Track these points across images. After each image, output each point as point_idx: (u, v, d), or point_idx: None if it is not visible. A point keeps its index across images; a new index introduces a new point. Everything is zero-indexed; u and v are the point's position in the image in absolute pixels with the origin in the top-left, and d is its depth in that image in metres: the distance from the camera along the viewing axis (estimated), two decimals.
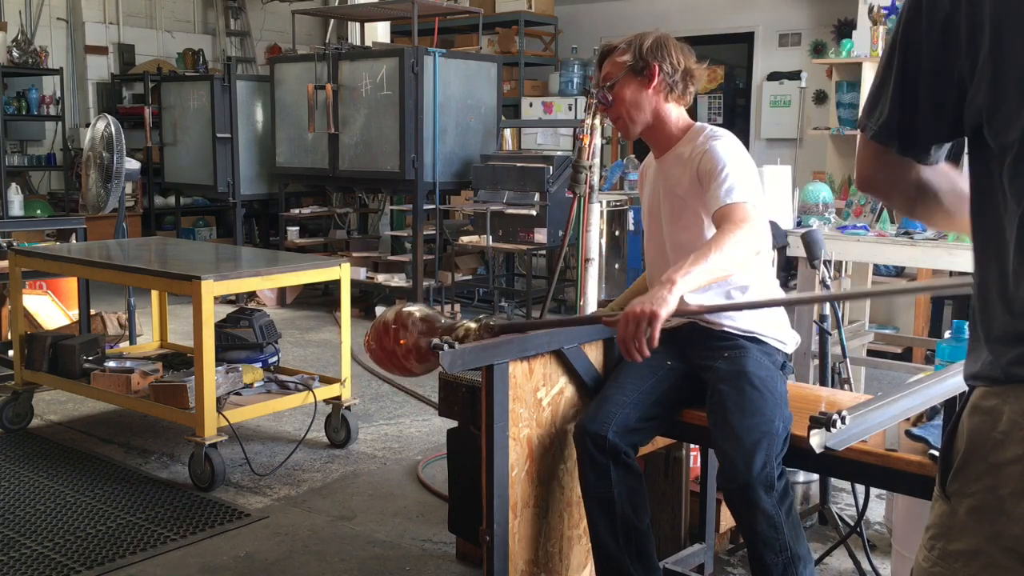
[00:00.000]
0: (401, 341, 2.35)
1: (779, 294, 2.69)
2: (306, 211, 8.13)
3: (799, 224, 4.43)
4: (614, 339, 2.67)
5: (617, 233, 7.17)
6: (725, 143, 2.45)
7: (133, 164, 5.40)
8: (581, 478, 2.47)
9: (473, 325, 2.35)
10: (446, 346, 2.22)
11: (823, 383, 3.51)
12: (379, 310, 7.18)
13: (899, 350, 5.87)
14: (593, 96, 2.63)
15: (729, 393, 2.37)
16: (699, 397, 2.53)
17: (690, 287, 2.13)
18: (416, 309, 2.42)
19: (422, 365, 2.42)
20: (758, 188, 2.41)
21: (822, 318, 3.57)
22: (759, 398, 2.35)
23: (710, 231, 2.44)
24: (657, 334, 2.06)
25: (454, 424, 3.11)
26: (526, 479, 2.50)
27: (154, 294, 5.17)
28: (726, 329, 2.53)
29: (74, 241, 5.56)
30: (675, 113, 2.56)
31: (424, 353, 2.38)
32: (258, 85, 8.21)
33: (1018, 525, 1.16)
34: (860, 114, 1.41)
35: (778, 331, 2.59)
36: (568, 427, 2.59)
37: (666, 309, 2.06)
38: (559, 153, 7.24)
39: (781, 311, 2.64)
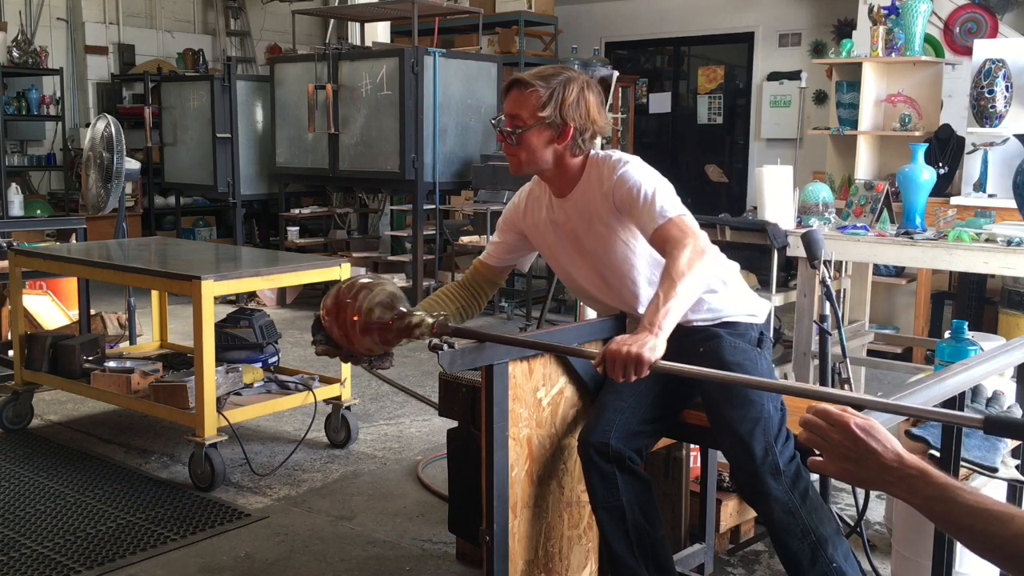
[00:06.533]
0: (354, 317, 2.22)
1: (740, 279, 2.65)
2: (306, 211, 8.13)
3: (799, 224, 4.43)
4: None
5: None
6: (633, 167, 2.41)
7: (133, 164, 5.40)
8: (589, 491, 2.46)
9: (429, 320, 2.23)
10: (445, 346, 2.21)
11: (823, 383, 3.50)
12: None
13: (899, 350, 5.87)
14: (495, 126, 2.51)
15: (713, 389, 2.37)
16: (697, 395, 2.53)
17: (673, 325, 2.12)
18: (381, 288, 2.26)
19: (363, 342, 2.26)
20: (677, 198, 2.39)
21: (822, 318, 3.57)
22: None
23: (641, 247, 2.44)
24: (646, 374, 2.02)
25: (454, 424, 3.11)
26: (526, 479, 2.49)
27: (154, 294, 5.16)
28: (695, 323, 2.50)
29: (74, 241, 5.56)
30: (577, 158, 2.48)
31: (367, 330, 2.23)
32: (258, 85, 8.21)
33: None
34: None
35: (744, 306, 2.56)
36: (568, 427, 2.59)
37: (656, 354, 2.02)
38: None
39: (742, 284, 2.61)
